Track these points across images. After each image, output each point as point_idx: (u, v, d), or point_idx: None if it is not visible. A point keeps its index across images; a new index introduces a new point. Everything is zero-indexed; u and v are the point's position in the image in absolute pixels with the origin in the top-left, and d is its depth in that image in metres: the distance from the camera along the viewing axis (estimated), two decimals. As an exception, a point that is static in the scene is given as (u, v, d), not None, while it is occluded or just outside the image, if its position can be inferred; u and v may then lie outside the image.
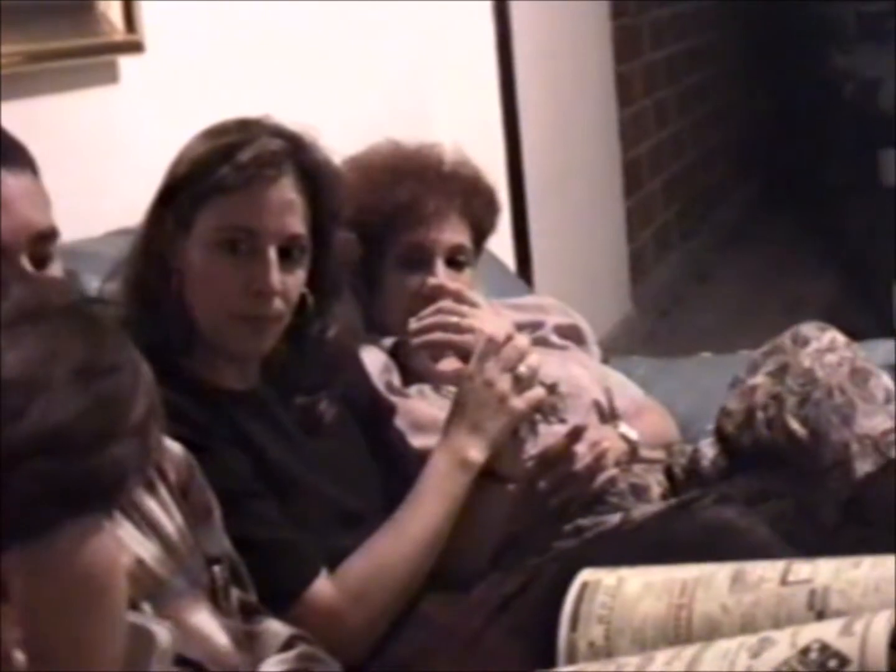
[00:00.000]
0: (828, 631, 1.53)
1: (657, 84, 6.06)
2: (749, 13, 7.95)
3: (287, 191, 2.01)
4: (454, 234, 2.52)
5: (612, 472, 2.35)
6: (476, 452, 2.08)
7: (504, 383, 2.08)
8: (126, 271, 2.05)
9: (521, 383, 2.09)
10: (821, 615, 1.67)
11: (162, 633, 1.02)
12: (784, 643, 1.52)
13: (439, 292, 2.42)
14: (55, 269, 1.65)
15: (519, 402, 2.09)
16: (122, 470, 0.95)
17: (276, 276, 1.98)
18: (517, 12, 3.70)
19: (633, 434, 2.46)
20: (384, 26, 3.58)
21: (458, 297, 2.40)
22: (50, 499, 0.91)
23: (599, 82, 5.25)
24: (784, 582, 1.73)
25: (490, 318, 2.39)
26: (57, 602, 0.93)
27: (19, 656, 0.91)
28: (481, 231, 2.61)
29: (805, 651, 1.49)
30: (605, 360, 2.83)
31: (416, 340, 2.35)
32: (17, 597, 0.90)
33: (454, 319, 2.32)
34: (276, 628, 1.76)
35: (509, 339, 2.12)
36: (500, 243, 3.47)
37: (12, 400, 0.90)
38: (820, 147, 7.81)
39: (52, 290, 0.99)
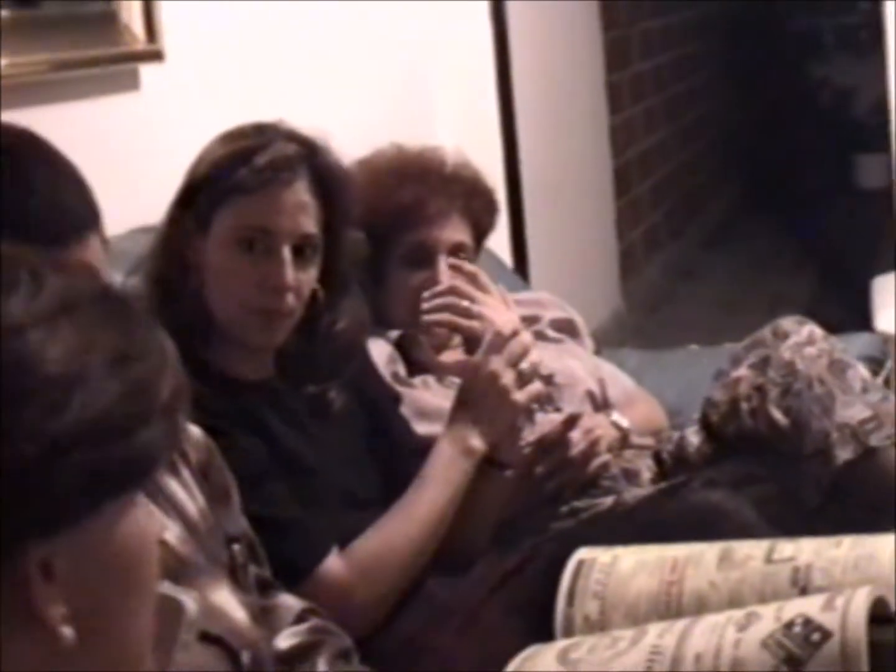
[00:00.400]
0: (811, 606, 1.53)
1: (645, 93, 6.05)
2: (732, 26, 7.94)
3: (301, 193, 2.01)
4: (456, 232, 2.51)
5: (605, 457, 2.36)
6: (479, 442, 2.09)
7: (508, 377, 2.08)
8: (147, 267, 2.05)
9: (522, 378, 2.10)
10: (804, 591, 1.67)
11: (189, 602, 1.03)
12: (769, 617, 1.52)
13: (455, 271, 2.40)
14: None
15: (520, 396, 2.10)
16: (154, 451, 0.95)
17: (289, 274, 1.98)
18: (514, 25, 3.69)
19: (624, 422, 2.46)
20: (390, 39, 3.58)
21: (473, 280, 2.39)
22: (90, 484, 0.91)
23: (591, 91, 5.25)
24: (769, 560, 1.73)
25: (498, 306, 2.37)
26: (98, 578, 0.93)
27: (67, 631, 0.90)
28: (481, 230, 2.61)
29: (789, 625, 1.50)
30: (598, 352, 2.83)
31: (425, 318, 2.32)
32: (62, 576, 0.90)
33: (465, 304, 2.30)
34: (290, 602, 1.76)
35: (515, 334, 2.12)
36: (499, 242, 3.47)
37: (55, 394, 0.89)
38: (799, 152, 7.81)
39: (84, 279, 0.98)
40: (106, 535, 0.93)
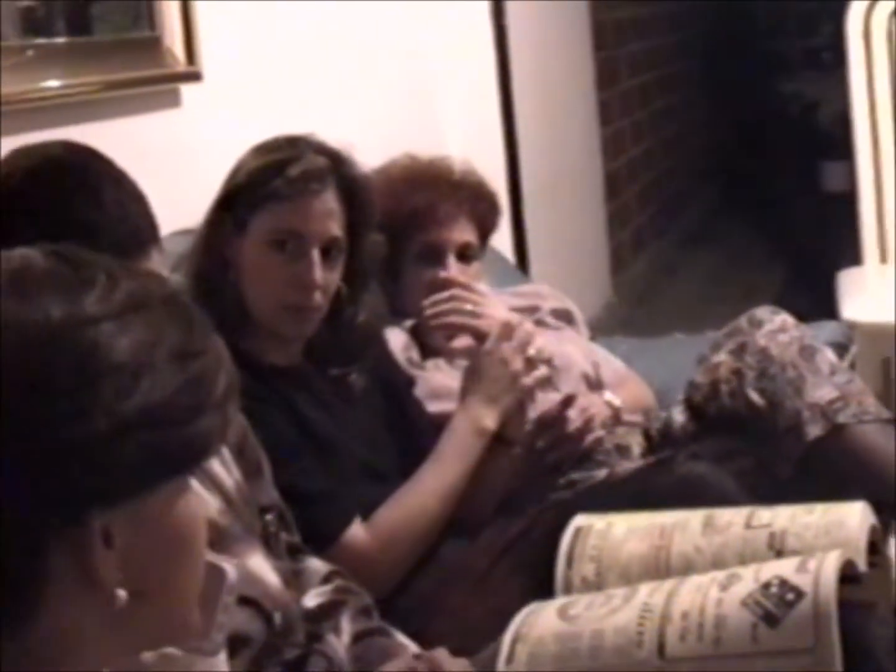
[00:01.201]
0: (786, 568, 1.52)
1: (632, 107, 6.04)
2: (709, 47, 7.94)
3: (329, 201, 2.01)
4: (463, 233, 2.50)
5: (599, 433, 2.34)
6: (490, 421, 2.09)
7: (517, 363, 2.09)
8: (188, 265, 2.04)
9: (530, 363, 2.10)
10: (779, 554, 1.66)
11: (231, 569, 1.03)
12: (749, 578, 1.52)
13: (450, 283, 2.41)
14: None
15: (528, 380, 2.11)
16: (207, 439, 0.96)
17: (318, 273, 1.98)
18: (514, 48, 3.68)
19: (616, 401, 2.45)
20: (406, 64, 3.58)
21: (467, 288, 2.40)
22: (151, 464, 0.92)
23: (584, 106, 5.24)
24: (748, 526, 1.73)
25: (497, 306, 2.39)
26: (151, 548, 0.93)
27: (122, 594, 0.91)
28: (486, 229, 2.60)
29: (767, 585, 1.49)
30: (593, 339, 2.82)
31: (433, 322, 2.34)
32: (119, 544, 0.91)
33: (468, 306, 2.32)
34: (317, 566, 1.76)
35: (520, 324, 2.12)
36: (503, 241, 3.46)
37: (124, 380, 0.90)
38: (770, 159, 7.79)
39: (153, 283, 0.98)
40: (161, 510, 0.94)
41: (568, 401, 2.28)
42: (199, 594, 0.98)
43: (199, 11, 2.58)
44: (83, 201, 1.44)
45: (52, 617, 0.90)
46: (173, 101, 2.59)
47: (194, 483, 0.96)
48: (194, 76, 2.58)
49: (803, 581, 1.48)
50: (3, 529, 0.87)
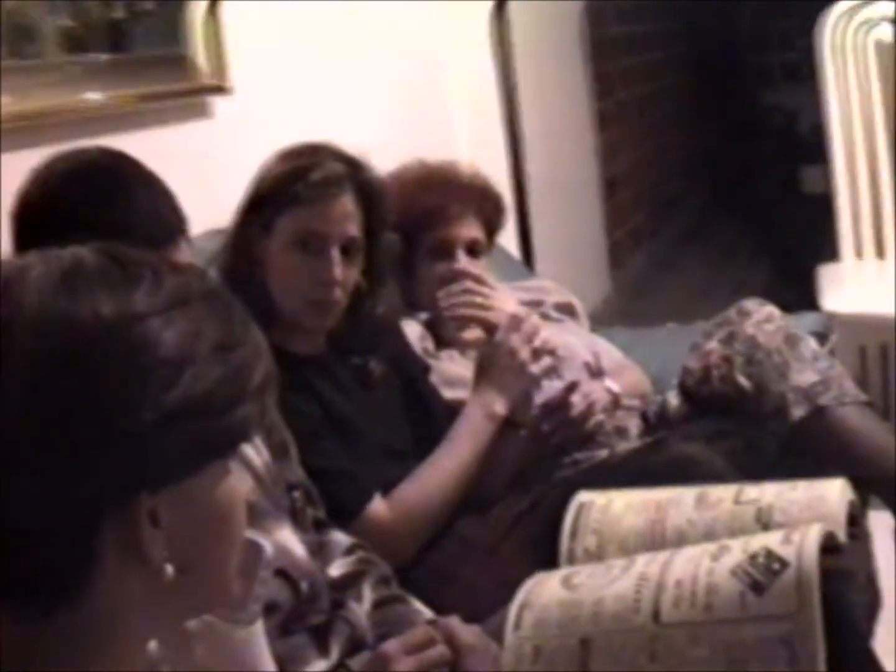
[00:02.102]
0: (772, 540, 1.51)
1: (628, 116, 6.02)
2: (699, 62, 7.93)
3: (347, 204, 2.00)
4: (471, 230, 2.49)
5: (600, 417, 2.33)
6: (500, 407, 2.09)
7: (525, 353, 2.09)
8: (219, 263, 2.04)
9: (536, 353, 2.10)
10: (766, 528, 1.65)
11: (268, 546, 1.02)
12: (737, 550, 1.50)
13: (464, 275, 2.41)
14: None
15: (535, 369, 2.11)
16: (246, 425, 0.95)
17: (337, 270, 1.98)
18: (519, 60, 3.67)
19: (615, 387, 2.44)
20: (420, 77, 3.57)
21: (479, 281, 2.39)
22: (194, 449, 0.91)
23: (583, 115, 5.22)
24: (737, 501, 1.72)
25: (506, 299, 2.38)
26: (195, 527, 0.93)
27: (168, 569, 0.91)
28: (492, 228, 2.58)
29: (754, 556, 1.48)
30: (593, 330, 2.81)
31: (447, 313, 2.34)
32: (166, 524, 0.90)
33: (479, 299, 2.32)
34: (340, 538, 1.75)
35: (527, 317, 2.12)
36: (508, 239, 3.45)
37: (168, 372, 0.90)
38: (755, 164, 7.78)
39: (195, 279, 0.97)
40: (203, 491, 0.93)
41: (571, 387, 2.27)
42: (238, 568, 0.97)
43: (229, 28, 2.57)
44: (116, 199, 1.44)
45: (103, 590, 0.90)
46: (204, 112, 2.58)
47: (233, 465, 0.95)
48: (224, 89, 2.58)
49: (788, 552, 1.47)
50: (60, 511, 0.87)
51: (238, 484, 0.96)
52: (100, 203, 1.43)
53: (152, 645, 0.99)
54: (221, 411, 0.92)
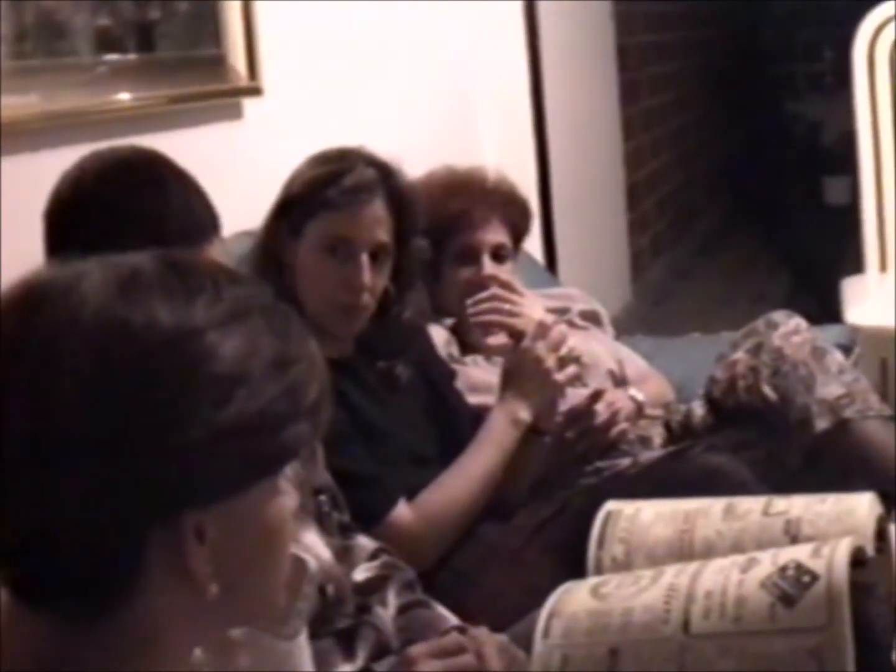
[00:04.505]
0: (801, 553, 1.50)
1: (652, 124, 6.01)
2: (722, 71, 7.92)
3: (378, 210, 2.00)
4: (497, 235, 2.48)
5: (624, 425, 2.32)
6: (525, 414, 2.07)
7: (550, 361, 2.07)
8: (248, 266, 2.03)
9: (562, 361, 2.09)
10: (794, 540, 1.64)
11: (312, 561, 1.01)
12: (767, 562, 1.50)
13: (492, 281, 2.40)
14: None
15: (560, 377, 2.09)
16: (299, 444, 0.93)
17: (366, 276, 1.98)
18: (547, 68, 3.66)
19: (639, 396, 2.43)
20: (448, 83, 3.57)
21: (508, 287, 2.38)
22: (243, 467, 0.89)
23: (608, 122, 5.22)
24: (766, 513, 1.71)
25: (533, 305, 2.37)
26: (242, 545, 0.91)
27: (212, 588, 0.89)
28: (518, 233, 2.58)
29: (784, 568, 1.47)
30: (617, 338, 2.81)
31: (474, 319, 2.34)
32: (212, 541, 0.88)
33: (507, 306, 2.31)
34: (365, 542, 1.74)
35: (554, 325, 2.11)
36: (533, 245, 3.44)
37: (223, 389, 0.87)
38: (777, 174, 7.76)
39: (253, 291, 0.94)
40: (251, 509, 0.91)
41: (596, 396, 2.26)
42: (283, 584, 0.96)
43: (262, 30, 2.57)
44: (150, 196, 1.43)
45: (147, 601, 0.88)
46: (236, 113, 2.58)
47: (283, 482, 0.93)
48: (255, 91, 2.57)
49: (817, 565, 1.46)
50: (105, 521, 0.86)
51: (287, 501, 0.94)
52: (133, 199, 1.42)
53: (197, 651, 0.97)
54: (273, 430, 0.89)
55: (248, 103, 2.59)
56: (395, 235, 2.02)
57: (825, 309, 3.70)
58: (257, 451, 0.89)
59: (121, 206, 1.41)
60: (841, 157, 4.59)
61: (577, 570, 1.72)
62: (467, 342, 2.44)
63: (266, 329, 0.91)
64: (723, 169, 7.77)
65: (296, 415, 0.91)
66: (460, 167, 2.56)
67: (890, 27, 4.08)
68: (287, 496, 0.94)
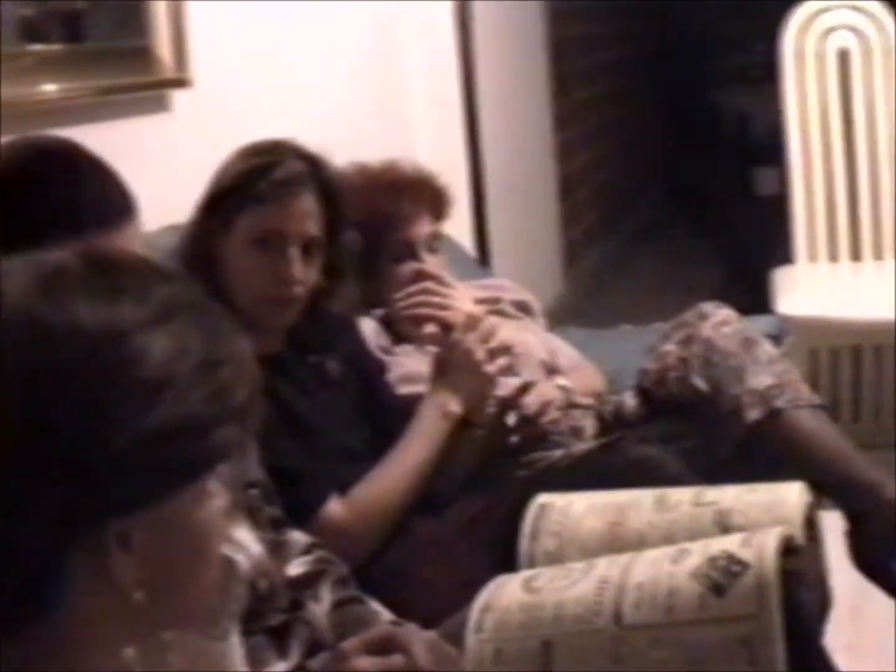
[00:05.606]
0: (731, 543, 1.52)
1: (585, 116, 6.04)
2: (654, 62, 7.97)
3: (308, 202, 2.00)
4: (428, 226, 2.48)
5: (555, 415, 2.33)
6: (456, 406, 2.08)
7: (480, 352, 2.08)
8: (177, 260, 2.02)
9: (492, 353, 2.09)
10: (725, 530, 1.66)
11: (241, 559, 0.99)
12: (698, 553, 1.51)
13: (423, 276, 2.40)
14: None
15: (490, 368, 2.10)
16: (226, 448, 0.91)
17: (297, 269, 1.97)
18: (479, 59, 3.66)
19: (567, 383, 2.43)
20: (379, 73, 3.56)
21: (438, 280, 2.39)
22: (169, 473, 0.87)
23: (540, 114, 5.23)
24: (697, 504, 1.72)
25: (463, 298, 2.38)
26: (170, 550, 0.89)
27: (138, 595, 0.87)
28: (441, 218, 2.57)
29: (714, 558, 1.48)
30: (549, 329, 2.81)
31: (405, 312, 2.34)
32: (138, 547, 0.87)
33: (437, 299, 2.31)
34: (298, 537, 1.74)
35: (484, 317, 2.11)
36: (466, 237, 3.45)
37: (148, 394, 0.85)
38: (708, 166, 7.82)
39: (183, 289, 0.92)
40: (179, 514, 0.89)
41: (525, 386, 2.26)
42: (213, 585, 0.94)
43: (192, 21, 2.54)
44: (61, 179, 1.42)
45: (74, 607, 0.87)
46: (164, 105, 2.55)
47: (212, 485, 0.91)
48: (184, 82, 2.55)
49: (747, 555, 1.47)
50: (26, 530, 0.84)
51: (216, 503, 0.92)
52: (47, 186, 1.41)
53: (128, 651, 0.96)
54: (200, 433, 0.88)
55: (177, 95, 2.57)
56: (325, 228, 2.02)
57: (756, 299, 3.73)
58: (183, 455, 0.87)
59: (35, 194, 1.40)
60: (770, 149, 4.62)
61: (510, 563, 1.72)
62: (399, 333, 2.44)
63: (194, 329, 0.89)
64: (655, 160, 7.82)
65: (224, 417, 0.89)
66: (374, 164, 2.54)
67: (818, 20, 4.13)
68: (217, 498, 0.92)
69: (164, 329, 0.87)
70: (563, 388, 2.42)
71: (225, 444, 0.90)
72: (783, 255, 4.20)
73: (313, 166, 2.00)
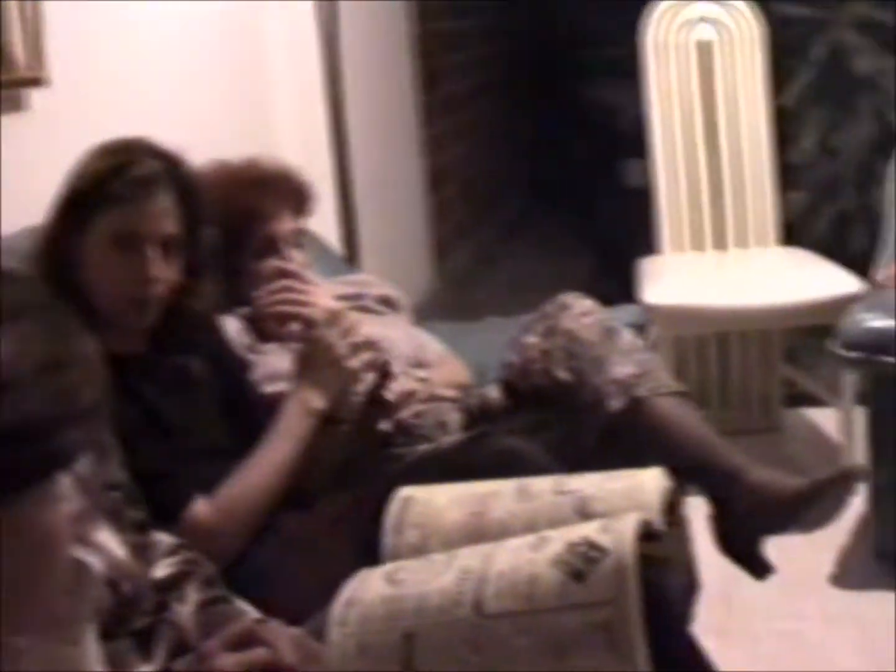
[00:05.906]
0: (591, 529, 1.54)
1: (454, 110, 6.05)
2: (523, 58, 8.02)
3: (165, 201, 1.99)
4: (290, 222, 2.48)
5: (419, 407, 2.34)
6: (319, 402, 2.09)
7: (342, 348, 2.09)
8: (33, 263, 2.00)
9: (355, 348, 2.10)
10: (586, 518, 1.68)
11: (96, 562, 0.98)
12: (558, 540, 1.53)
13: (283, 273, 2.40)
14: None
15: (354, 363, 2.12)
16: (73, 451, 0.90)
17: (156, 268, 1.97)
18: (345, 53, 3.66)
19: (423, 373, 2.45)
20: (241, 73, 3.54)
21: (297, 277, 2.39)
22: (13, 474, 0.86)
23: (408, 108, 5.24)
24: (557, 492, 1.74)
25: (324, 295, 2.38)
26: (14, 553, 0.88)
27: None
28: (304, 214, 2.57)
29: (574, 545, 1.50)
30: (417, 324, 2.82)
31: (267, 310, 2.34)
32: None
33: (296, 296, 2.32)
34: (163, 539, 1.72)
35: (345, 312, 2.12)
36: (333, 233, 3.45)
37: None
38: (577, 159, 7.89)
39: (27, 289, 0.91)
40: (22, 519, 0.88)
41: (384, 378, 2.27)
42: (63, 588, 0.93)
43: (46, 20, 2.50)
44: None
45: None
46: (18, 105, 2.51)
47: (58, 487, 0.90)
48: (40, 81, 2.51)
49: (606, 540, 1.50)
50: None
51: (64, 507, 0.91)
52: None
53: None
54: (41, 438, 0.86)
55: (33, 94, 2.53)
56: (184, 227, 2.01)
57: (624, 290, 3.78)
58: (22, 460, 0.86)
59: None
60: (638, 141, 4.68)
61: (377, 558, 1.73)
62: (264, 330, 2.43)
63: (38, 331, 0.88)
64: (525, 154, 7.87)
65: (66, 420, 0.88)
66: (234, 161, 2.53)
67: (678, 13, 4.20)
68: (64, 501, 0.91)
69: (6, 331, 0.86)
70: (423, 381, 2.43)
71: (68, 448, 0.89)
72: (650, 245, 4.26)
73: (169, 164, 1.99)
